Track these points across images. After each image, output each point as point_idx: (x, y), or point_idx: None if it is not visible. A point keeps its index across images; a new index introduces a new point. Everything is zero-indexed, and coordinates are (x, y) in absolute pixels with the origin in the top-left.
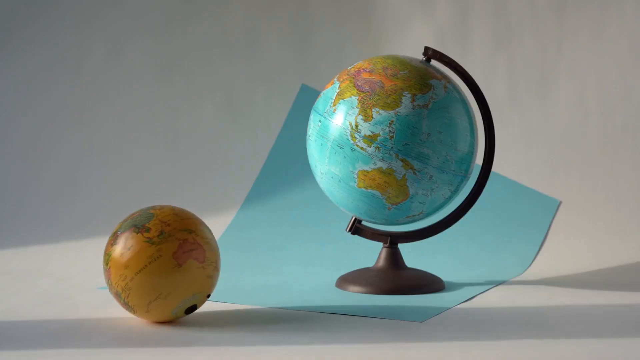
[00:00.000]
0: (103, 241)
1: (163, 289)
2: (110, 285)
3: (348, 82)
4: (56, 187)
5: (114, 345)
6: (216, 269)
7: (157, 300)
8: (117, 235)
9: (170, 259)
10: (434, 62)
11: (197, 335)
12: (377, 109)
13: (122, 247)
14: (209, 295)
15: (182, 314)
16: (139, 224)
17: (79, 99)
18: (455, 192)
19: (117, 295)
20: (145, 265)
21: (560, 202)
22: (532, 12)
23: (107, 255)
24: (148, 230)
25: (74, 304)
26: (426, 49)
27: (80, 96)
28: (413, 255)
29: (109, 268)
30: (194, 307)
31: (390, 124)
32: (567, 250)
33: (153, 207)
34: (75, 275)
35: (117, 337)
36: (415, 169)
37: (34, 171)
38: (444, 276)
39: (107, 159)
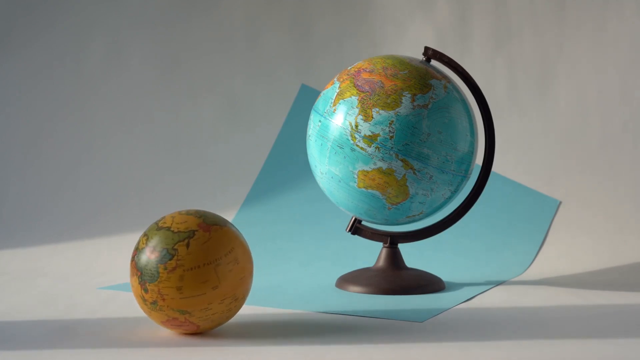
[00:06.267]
0: (103, 241)
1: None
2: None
3: (348, 82)
4: (56, 186)
5: (114, 345)
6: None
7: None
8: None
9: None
10: (434, 62)
11: (197, 335)
12: (377, 109)
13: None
14: None
15: None
16: (144, 275)
17: (79, 98)
18: (455, 192)
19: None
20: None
21: (560, 203)
22: (532, 12)
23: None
24: (146, 290)
25: (74, 304)
26: (426, 49)
27: (80, 95)
28: (413, 255)
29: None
30: None
31: (390, 124)
32: (567, 250)
33: (172, 253)
34: (75, 275)
35: (117, 337)
36: (415, 169)
37: (34, 171)
38: (444, 276)
39: (107, 158)
